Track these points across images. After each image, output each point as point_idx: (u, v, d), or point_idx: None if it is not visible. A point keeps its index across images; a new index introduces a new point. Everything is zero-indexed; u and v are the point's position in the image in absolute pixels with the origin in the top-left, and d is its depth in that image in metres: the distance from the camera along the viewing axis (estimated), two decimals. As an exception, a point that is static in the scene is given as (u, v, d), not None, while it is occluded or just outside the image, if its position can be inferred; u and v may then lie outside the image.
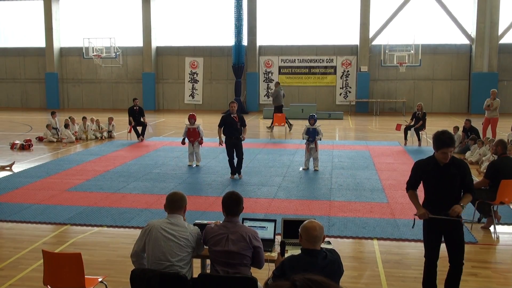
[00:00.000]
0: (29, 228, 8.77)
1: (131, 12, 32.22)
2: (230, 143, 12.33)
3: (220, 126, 12.52)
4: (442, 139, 5.42)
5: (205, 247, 5.05)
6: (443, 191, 5.57)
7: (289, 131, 20.93)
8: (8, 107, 33.49)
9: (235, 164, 12.48)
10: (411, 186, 5.86)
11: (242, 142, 12.46)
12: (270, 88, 30.97)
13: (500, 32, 28.44)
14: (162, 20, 32.39)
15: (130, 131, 18.74)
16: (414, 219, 5.89)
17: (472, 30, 29.03)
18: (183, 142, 14.02)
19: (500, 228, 8.62)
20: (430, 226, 5.71)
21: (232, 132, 12.29)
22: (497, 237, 8.27)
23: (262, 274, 5.34)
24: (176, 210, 4.97)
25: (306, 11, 30.84)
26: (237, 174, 12.55)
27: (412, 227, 6.27)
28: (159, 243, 4.77)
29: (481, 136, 16.15)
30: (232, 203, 4.87)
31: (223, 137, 12.51)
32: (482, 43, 28.42)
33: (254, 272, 5.05)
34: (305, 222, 4.38)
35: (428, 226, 5.75)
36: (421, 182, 5.80)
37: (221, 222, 5.01)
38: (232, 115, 12.33)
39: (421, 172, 5.72)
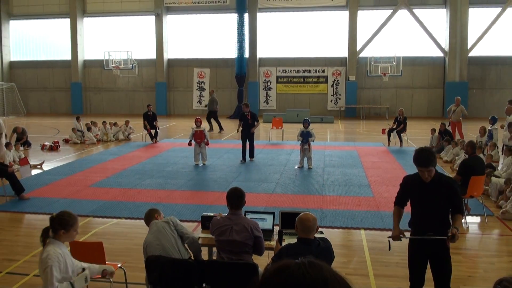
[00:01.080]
0: (57, 219, 8.78)
1: (146, 28, 32.20)
2: (243, 134, 14.34)
3: (239, 120, 14.66)
4: (417, 158, 4.65)
5: (211, 236, 5.05)
6: (428, 210, 4.73)
7: (210, 129, 21.57)
8: (39, 112, 33.49)
9: (248, 151, 14.42)
10: (397, 202, 5.05)
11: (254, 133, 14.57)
12: (269, 95, 30.98)
13: (469, 46, 28.54)
14: (173, 35, 32.36)
15: (149, 131, 18.64)
16: (389, 241, 4.93)
17: (445, 45, 29.06)
18: (189, 144, 13.99)
19: (470, 219, 8.67)
20: (414, 248, 4.91)
21: (246, 126, 14.25)
22: (467, 227, 8.29)
23: (263, 260, 5.33)
24: (151, 218, 5.18)
25: (300, 27, 30.82)
26: (249, 158, 14.46)
27: (389, 249, 5.05)
28: (156, 250, 4.88)
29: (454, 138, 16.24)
30: (235, 198, 4.87)
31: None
32: (454, 56, 28.48)
33: (255, 258, 5.05)
34: (300, 214, 4.38)
35: (412, 248, 4.95)
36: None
37: (224, 214, 5.02)
38: (245, 113, 14.31)
39: (408, 189, 4.92)
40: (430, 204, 4.71)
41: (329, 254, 4.30)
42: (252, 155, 14.54)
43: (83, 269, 4.37)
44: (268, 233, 5.42)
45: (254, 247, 4.85)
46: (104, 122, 19.74)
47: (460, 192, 4.92)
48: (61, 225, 4.16)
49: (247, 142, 14.35)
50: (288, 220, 5.40)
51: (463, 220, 8.45)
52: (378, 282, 6.07)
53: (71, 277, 4.17)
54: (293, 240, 4.41)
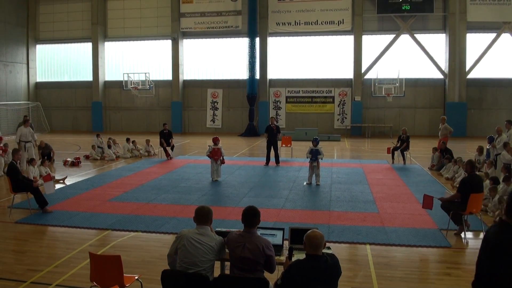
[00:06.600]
0: (78, 232, 8.80)
1: (163, 52, 32.59)
2: (269, 142, 16.52)
3: (265, 132, 16.73)
4: None
5: (226, 251, 5.01)
6: None
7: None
8: (62, 130, 33.84)
9: (274, 157, 16.55)
10: None
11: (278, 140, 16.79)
12: (278, 114, 31.01)
13: (467, 68, 28.58)
14: (188, 58, 32.67)
15: (165, 148, 18.65)
16: None
17: (445, 67, 29.07)
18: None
19: (469, 234, 8.59)
20: None
21: (271, 135, 16.41)
22: (466, 242, 8.20)
23: (273, 274, 5.29)
24: (203, 223, 4.93)
25: (309, 50, 30.99)
26: (275, 163, 16.49)
27: None
28: (188, 250, 4.73)
29: (454, 156, 16.15)
30: (250, 216, 4.81)
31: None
32: (454, 78, 28.46)
33: (266, 274, 5.00)
34: (308, 231, 4.33)
35: None
36: None
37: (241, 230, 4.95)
38: (271, 125, 16.52)
39: None
40: None
41: (336, 269, 4.26)
42: (277, 161, 16.62)
43: None
44: (278, 248, 5.37)
45: (265, 265, 4.80)
46: (128, 139, 19.82)
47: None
48: None
49: (272, 150, 16.47)
50: (297, 235, 5.35)
51: (463, 236, 8.37)
52: (383, 296, 5.98)
53: None
54: (302, 256, 4.36)
